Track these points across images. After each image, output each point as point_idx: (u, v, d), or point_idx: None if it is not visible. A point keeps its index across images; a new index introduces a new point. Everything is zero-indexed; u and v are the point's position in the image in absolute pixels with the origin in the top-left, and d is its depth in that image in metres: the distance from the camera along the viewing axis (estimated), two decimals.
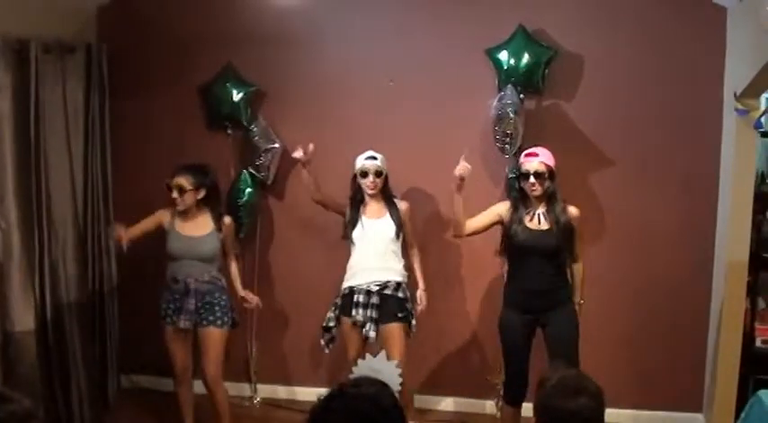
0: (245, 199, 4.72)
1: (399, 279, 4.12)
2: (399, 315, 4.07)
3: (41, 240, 4.19)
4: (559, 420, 2.14)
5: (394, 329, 4.06)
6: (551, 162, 3.78)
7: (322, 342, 4.21)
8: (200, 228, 4.09)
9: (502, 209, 3.94)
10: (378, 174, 4.12)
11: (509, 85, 4.35)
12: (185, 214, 4.08)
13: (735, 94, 3.97)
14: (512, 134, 4.32)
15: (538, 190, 3.75)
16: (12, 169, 4.04)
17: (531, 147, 3.91)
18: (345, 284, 4.16)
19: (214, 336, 4.07)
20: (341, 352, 4.22)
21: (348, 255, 4.22)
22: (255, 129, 4.72)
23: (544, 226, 3.78)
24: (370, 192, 4.13)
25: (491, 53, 4.46)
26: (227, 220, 4.21)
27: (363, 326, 4.05)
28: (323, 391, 1.93)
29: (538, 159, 3.75)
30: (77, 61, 4.55)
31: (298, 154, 4.16)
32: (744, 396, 4.03)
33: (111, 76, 4.77)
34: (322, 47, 4.78)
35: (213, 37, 4.82)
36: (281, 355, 5.04)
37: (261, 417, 4.87)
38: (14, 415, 1.86)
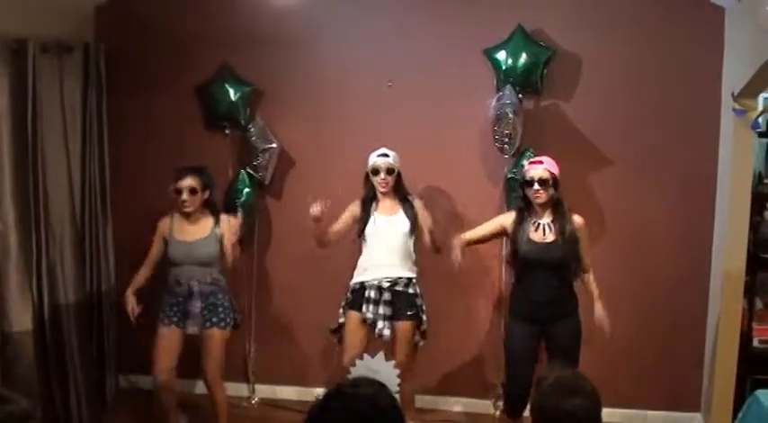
0: (243, 199, 4.71)
1: (410, 275, 4.12)
2: (409, 313, 4.07)
3: (39, 240, 4.18)
4: (555, 420, 2.14)
5: (403, 327, 4.06)
6: (555, 170, 3.77)
7: (335, 340, 4.22)
8: (199, 231, 4.07)
9: (506, 220, 3.93)
10: (389, 171, 4.10)
11: (508, 85, 4.35)
12: (188, 217, 4.06)
13: (732, 95, 3.97)
14: (510, 134, 4.32)
15: (542, 197, 3.74)
16: (9, 169, 4.03)
17: (534, 153, 3.92)
18: (355, 280, 4.16)
19: (216, 337, 4.07)
20: (340, 353, 4.21)
21: (349, 253, 4.24)
22: (253, 129, 4.72)
23: (549, 238, 3.75)
24: (381, 189, 4.12)
25: (489, 53, 4.46)
26: (228, 217, 4.15)
27: (374, 323, 4.05)
28: (321, 391, 1.93)
29: (542, 167, 3.75)
30: (75, 61, 4.55)
31: (315, 210, 4.03)
32: (741, 396, 4.04)
33: (109, 76, 4.77)
34: (320, 47, 4.78)
35: (211, 36, 4.82)
36: (280, 356, 5.03)
37: (259, 417, 4.86)
38: (12, 415, 1.86)
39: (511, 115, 4.27)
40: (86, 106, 4.64)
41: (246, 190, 4.72)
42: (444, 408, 4.87)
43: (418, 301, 4.13)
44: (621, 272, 4.58)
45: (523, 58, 4.38)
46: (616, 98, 4.52)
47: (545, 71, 4.43)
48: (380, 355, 2.40)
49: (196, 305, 4.01)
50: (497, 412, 4.64)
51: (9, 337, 4.02)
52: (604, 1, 4.51)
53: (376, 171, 4.10)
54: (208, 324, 4.05)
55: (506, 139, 4.33)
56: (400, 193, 4.17)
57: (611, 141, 4.54)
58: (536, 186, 3.73)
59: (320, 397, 1.87)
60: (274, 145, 4.71)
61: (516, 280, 3.96)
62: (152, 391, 4.13)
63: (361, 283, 4.12)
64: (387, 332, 4.03)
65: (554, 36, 4.50)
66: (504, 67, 4.41)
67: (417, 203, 4.18)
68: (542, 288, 3.78)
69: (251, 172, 4.73)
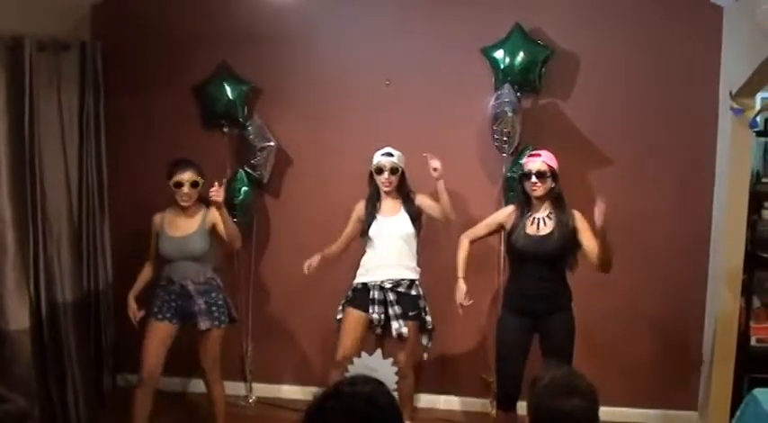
0: (241, 198, 4.70)
1: (413, 276, 4.12)
2: (411, 314, 4.07)
3: (36, 238, 4.17)
4: (553, 420, 2.14)
5: (407, 328, 4.06)
6: (554, 163, 3.76)
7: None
8: (190, 226, 4.05)
9: (503, 216, 3.94)
10: (393, 171, 4.09)
11: (506, 84, 4.35)
12: (183, 212, 4.04)
13: (730, 93, 3.97)
14: (509, 133, 4.32)
15: (539, 190, 3.73)
16: (6, 167, 4.01)
17: (531, 147, 3.92)
18: (358, 280, 4.16)
19: (213, 335, 4.06)
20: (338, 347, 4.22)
21: (348, 252, 4.26)
22: (251, 127, 4.71)
23: (543, 231, 3.74)
24: (385, 189, 4.11)
25: (487, 52, 4.46)
26: (214, 212, 4.05)
27: (380, 324, 4.06)
28: (318, 390, 1.92)
29: (540, 159, 3.74)
30: (72, 59, 4.53)
31: (312, 264, 4.23)
32: (739, 394, 4.05)
33: (106, 74, 4.76)
34: (318, 45, 4.78)
35: (209, 35, 4.81)
36: (277, 354, 5.03)
37: (256, 416, 4.86)
38: (10, 414, 1.86)
39: (510, 114, 4.27)
40: (83, 104, 4.63)
41: (244, 188, 4.71)
42: (442, 407, 4.87)
43: (421, 303, 4.13)
44: (619, 270, 4.53)
45: (521, 56, 4.38)
46: (614, 97, 4.53)
47: (543, 70, 4.43)
48: (378, 352, 2.40)
49: (200, 303, 4.00)
50: (494, 411, 4.64)
51: (6, 335, 4.01)
52: (602, 0, 4.50)
53: (380, 170, 4.09)
54: (204, 322, 4.03)
55: (505, 138, 4.34)
56: (403, 191, 4.16)
57: (610, 140, 4.54)
58: (533, 179, 3.72)
59: (318, 395, 1.86)
60: (272, 143, 4.70)
61: (510, 273, 3.96)
62: (135, 386, 4.08)
63: (364, 284, 4.13)
64: (404, 330, 4.03)
65: (552, 35, 4.50)
66: (502, 66, 4.41)
67: (419, 198, 4.16)
68: (535, 281, 3.77)
69: (249, 170, 4.72)
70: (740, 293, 4.21)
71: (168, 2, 4.90)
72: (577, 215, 3.77)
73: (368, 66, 4.74)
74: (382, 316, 4.07)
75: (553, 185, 3.75)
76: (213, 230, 4.07)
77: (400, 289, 4.08)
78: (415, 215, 4.13)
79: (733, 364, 4.17)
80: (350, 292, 4.18)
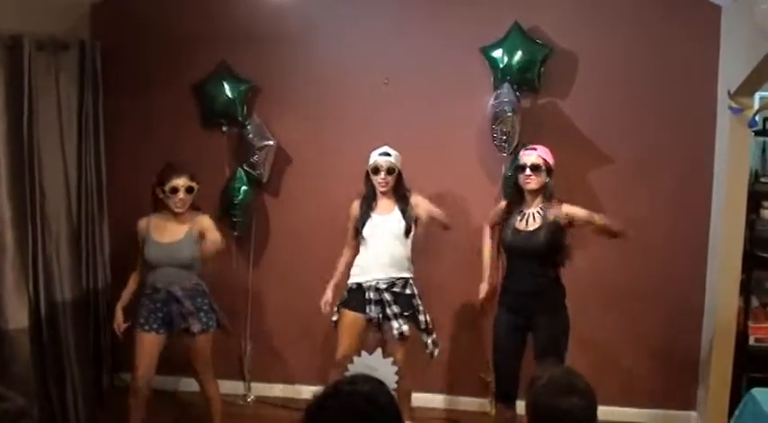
0: (240, 197, 4.70)
1: (407, 275, 4.12)
2: (406, 314, 4.06)
3: (35, 238, 4.16)
4: (551, 419, 2.14)
5: None
6: (549, 158, 3.75)
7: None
8: (178, 232, 3.97)
9: (500, 209, 3.96)
10: (390, 171, 4.07)
11: (506, 84, 4.35)
12: (175, 218, 3.97)
13: (729, 93, 3.97)
14: (508, 132, 4.32)
15: (532, 183, 3.71)
16: (5, 166, 4.01)
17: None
18: (352, 280, 4.16)
19: (201, 340, 4.00)
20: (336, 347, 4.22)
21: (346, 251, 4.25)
22: (250, 126, 4.71)
23: (532, 226, 3.73)
24: (381, 189, 4.10)
25: (486, 51, 4.46)
26: (206, 218, 4.05)
27: (378, 324, 4.06)
28: (318, 388, 1.92)
29: (535, 153, 3.74)
30: (71, 58, 4.53)
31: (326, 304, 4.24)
32: (737, 394, 4.05)
33: (105, 74, 4.76)
34: (317, 45, 4.78)
35: (208, 34, 4.81)
36: (276, 353, 5.03)
37: (254, 415, 4.86)
38: (7, 413, 1.86)
39: (509, 113, 4.27)
40: (82, 104, 4.63)
41: (244, 188, 4.71)
42: (441, 406, 4.88)
43: (415, 302, 4.12)
44: (617, 269, 4.59)
45: (520, 55, 4.38)
46: (613, 96, 4.53)
47: (542, 69, 4.43)
48: (378, 352, 2.40)
49: (188, 305, 3.92)
50: (493, 410, 4.64)
51: (5, 334, 4.01)
52: None
53: (376, 170, 4.08)
54: (192, 329, 3.95)
55: (504, 138, 4.34)
56: (399, 192, 4.15)
57: (609, 139, 4.55)
58: (527, 171, 3.71)
59: (318, 394, 1.86)
60: (272, 142, 4.70)
61: (505, 270, 3.97)
62: (129, 398, 4.04)
63: (359, 284, 4.12)
64: (405, 328, 4.03)
65: (551, 34, 4.50)
66: (501, 66, 4.41)
67: (415, 199, 4.15)
68: (525, 277, 3.76)
69: (248, 170, 4.72)
70: (739, 293, 4.21)
71: (167, 1, 4.90)
72: (571, 209, 3.74)
73: (367, 65, 4.73)
74: (380, 315, 4.07)
75: (547, 180, 3.74)
76: (200, 238, 4.00)
77: (395, 289, 4.07)
78: (410, 214, 4.11)
79: (731, 364, 4.17)
80: (345, 293, 4.18)
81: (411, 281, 4.14)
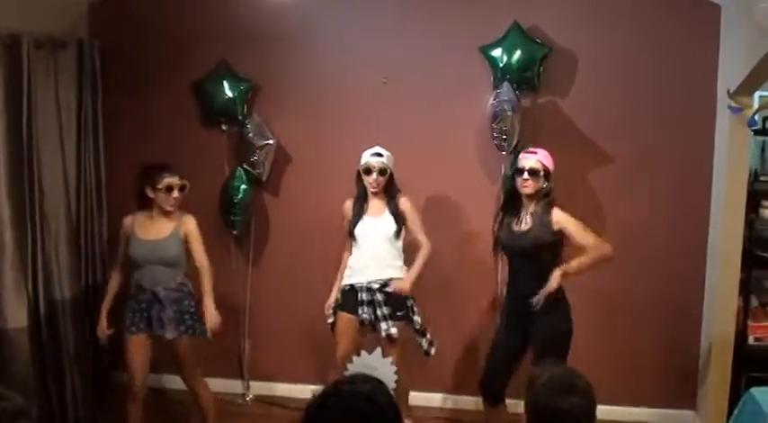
0: (239, 196, 4.70)
1: (400, 275, 4.10)
2: (399, 314, 4.06)
3: (34, 237, 4.17)
4: (550, 418, 2.13)
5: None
6: (549, 163, 3.72)
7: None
8: (163, 230, 3.92)
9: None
10: (382, 172, 4.04)
11: (505, 82, 4.35)
12: (161, 215, 3.92)
13: (728, 92, 3.97)
14: (508, 131, 4.31)
15: (529, 187, 3.68)
16: (4, 165, 4.01)
17: (530, 146, 3.90)
18: (346, 282, 4.15)
19: (187, 345, 3.95)
20: (335, 349, 4.22)
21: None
22: (250, 125, 4.71)
23: (523, 228, 3.72)
24: (372, 190, 4.08)
25: (485, 50, 4.46)
26: (190, 218, 4.00)
27: (372, 325, 4.06)
28: (317, 388, 1.92)
29: (535, 157, 3.71)
30: (69, 57, 4.53)
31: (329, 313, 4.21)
32: (737, 393, 4.05)
33: (104, 72, 4.75)
34: (318, 44, 4.77)
35: (207, 33, 4.80)
36: (275, 352, 5.03)
37: (253, 414, 4.86)
38: (6, 412, 1.86)
39: (509, 112, 4.26)
40: (81, 102, 4.62)
41: (243, 187, 4.70)
42: (439, 405, 4.88)
43: (409, 302, 4.11)
44: (616, 268, 4.56)
45: (519, 54, 4.38)
46: (613, 95, 4.53)
47: (542, 68, 4.43)
48: (378, 351, 2.39)
49: (168, 311, 3.87)
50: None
51: (4, 333, 4.01)
52: None
53: (368, 170, 4.06)
54: (176, 332, 3.91)
55: (504, 137, 4.33)
56: (390, 192, 4.12)
57: (608, 138, 4.54)
58: (525, 176, 3.68)
59: (317, 394, 1.86)
60: (272, 141, 4.69)
61: (507, 274, 3.97)
62: (126, 399, 4.01)
63: (351, 286, 4.12)
64: (393, 331, 4.02)
65: (550, 33, 4.49)
66: (500, 65, 4.40)
67: (404, 203, 4.11)
68: (519, 279, 3.77)
69: (248, 168, 4.71)
70: (738, 292, 4.21)
71: (166, 0, 4.90)
72: (562, 218, 3.66)
73: (367, 64, 4.73)
74: (372, 317, 4.06)
75: (544, 185, 3.71)
76: (185, 240, 3.96)
77: (388, 289, 4.06)
78: (399, 216, 4.08)
79: (731, 363, 4.17)
80: (338, 295, 4.18)
81: None
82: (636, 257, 4.55)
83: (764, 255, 4.30)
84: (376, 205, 4.13)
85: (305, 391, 4.74)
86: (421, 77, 4.67)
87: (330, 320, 4.19)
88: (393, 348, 3.96)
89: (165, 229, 3.93)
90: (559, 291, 3.72)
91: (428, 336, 4.16)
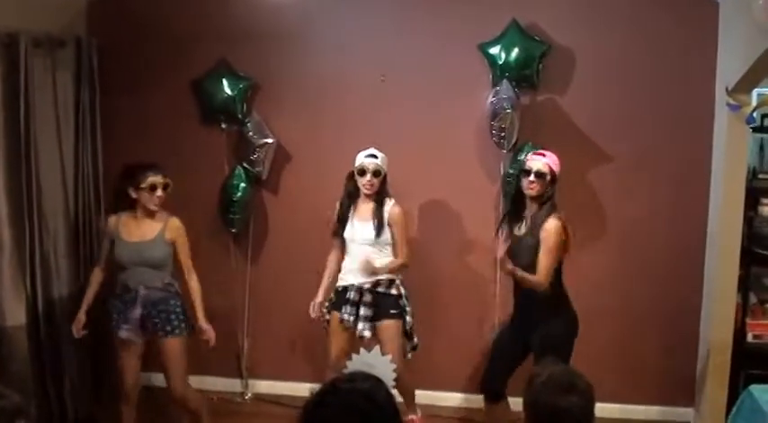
0: (239, 194, 4.69)
1: (392, 276, 4.07)
2: (393, 312, 4.04)
3: (32, 235, 4.17)
4: (550, 417, 2.13)
5: (388, 327, 4.04)
6: (556, 167, 3.68)
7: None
8: (148, 232, 3.83)
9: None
10: (376, 173, 4.01)
11: (505, 80, 4.34)
12: (145, 215, 3.84)
13: (727, 90, 3.97)
14: (508, 129, 4.30)
15: (535, 190, 3.64)
16: (2, 164, 4.02)
17: (534, 148, 3.90)
18: (339, 283, 4.15)
19: (173, 346, 3.83)
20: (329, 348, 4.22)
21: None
22: (250, 124, 4.70)
23: (522, 231, 3.70)
24: (366, 191, 4.04)
25: (484, 48, 4.46)
26: (176, 222, 3.91)
27: (354, 325, 4.04)
28: (315, 386, 1.92)
29: (543, 160, 3.66)
30: (67, 55, 4.52)
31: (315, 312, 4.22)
32: (735, 390, 4.05)
33: (102, 70, 4.74)
34: (317, 42, 4.77)
35: (206, 31, 4.79)
36: (273, 351, 5.03)
37: (252, 412, 4.86)
38: (4, 411, 1.86)
39: (508, 110, 4.26)
40: (79, 101, 4.61)
41: (242, 185, 4.70)
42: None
43: (401, 302, 4.08)
44: (615, 267, 4.59)
45: (518, 52, 4.37)
46: (611, 92, 4.53)
47: (540, 66, 4.43)
48: (376, 349, 2.40)
49: (135, 312, 3.75)
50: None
51: (3, 332, 4.02)
52: None
53: (362, 172, 4.02)
54: (161, 333, 3.82)
55: (503, 134, 4.33)
56: (381, 195, 4.07)
57: (607, 136, 4.54)
58: (531, 178, 3.64)
59: (315, 392, 1.86)
60: (272, 140, 4.68)
61: None
62: (120, 401, 3.97)
63: (344, 287, 4.12)
64: (367, 333, 4.02)
65: (549, 31, 4.49)
66: (499, 62, 4.40)
67: (392, 210, 4.03)
68: (517, 284, 3.75)
69: (247, 167, 4.71)
70: (737, 290, 4.21)
71: None
72: (546, 232, 3.57)
73: (366, 63, 4.73)
74: (352, 317, 4.05)
75: (548, 189, 3.66)
76: (172, 244, 3.88)
77: (380, 289, 4.04)
78: (381, 222, 4.01)
79: (729, 361, 4.17)
80: (332, 295, 4.18)
81: (398, 281, 4.08)
82: (634, 255, 4.56)
83: (763, 252, 4.31)
84: (364, 208, 4.08)
85: (303, 389, 4.74)
86: (420, 76, 4.67)
87: (326, 318, 4.19)
88: (391, 347, 3.96)
89: (151, 231, 3.84)
90: (561, 298, 3.70)
91: (414, 340, 4.15)
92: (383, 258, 4.05)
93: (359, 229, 4.06)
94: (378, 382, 1.92)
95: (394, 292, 4.06)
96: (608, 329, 4.62)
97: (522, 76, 4.41)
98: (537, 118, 4.49)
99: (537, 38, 4.44)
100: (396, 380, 2.24)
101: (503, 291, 4.43)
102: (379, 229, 4.00)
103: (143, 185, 3.78)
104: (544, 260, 3.56)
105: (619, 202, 4.57)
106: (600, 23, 4.50)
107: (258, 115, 4.75)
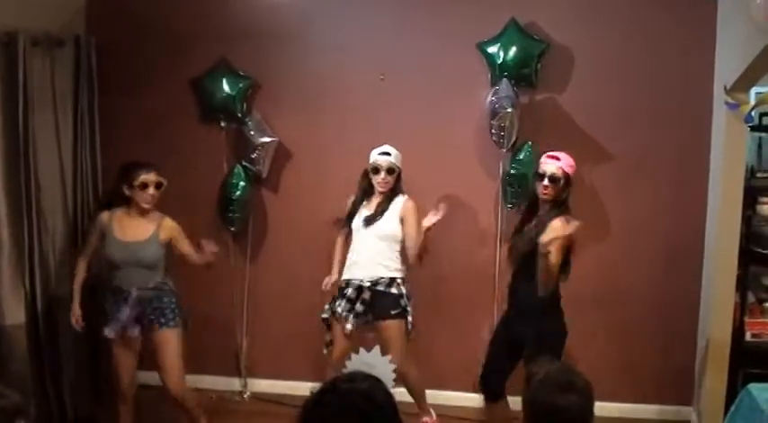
0: (238, 193, 4.69)
1: (392, 275, 4.06)
2: (393, 312, 4.03)
3: (31, 233, 4.17)
4: (548, 415, 2.13)
5: (389, 327, 4.03)
6: (570, 170, 3.61)
7: (326, 334, 4.22)
8: (141, 232, 3.83)
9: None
10: (390, 171, 4.01)
11: (504, 79, 4.34)
12: (138, 214, 3.85)
13: (725, 88, 3.97)
14: (507, 128, 4.30)
15: (549, 194, 3.58)
16: (0, 162, 4.01)
17: (534, 147, 3.88)
18: (343, 277, 4.16)
19: (169, 338, 3.85)
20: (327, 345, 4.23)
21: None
22: (250, 123, 4.70)
23: (529, 228, 3.66)
24: (380, 189, 4.04)
25: (482, 47, 4.46)
26: (169, 221, 3.93)
27: (345, 320, 4.06)
28: (315, 385, 1.92)
29: (557, 164, 3.59)
30: (66, 54, 4.51)
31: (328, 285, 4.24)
32: (734, 389, 4.05)
33: (101, 69, 4.73)
34: (317, 41, 4.77)
35: (206, 30, 4.80)
36: (272, 350, 5.03)
37: (251, 411, 4.86)
38: (3, 410, 1.86)
39: (508, 109, 4.26)
40: (78, 99, 4.61)
41: (242, 184, 4.70)
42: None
43: (403, 302, 4.05)
44: (613, 265, 4.60)
45: (516, 51, 4.38)
46: (610, 91, 4.53)
47: (539, 65, 4.43)
48: (376, 349, 2.39)
49: (124, 313, 3.77)
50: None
51: (2, 330, 4.01)
52: None
53: (376, 170, 4.03)
54: (156, 325, 3.83)
55: (503, 133, 4.33)
56: (394, 193, 4.09)
57: (606, 134, 4.55)
58: (545, 182, 3.57)
59: (315, 391, 1.86)
60: (271, 139, 4.68)
61: None
62: (116, 400, 3.99)
63: (347, 281, 4.12)
64: (348, 327, 4.02)
65: (548, 30, 4.50)
66: (498, 61, 4.40)
67: (405, 204, 4.07)
68: (513, 280, 3.75)
69: (247, 165, 4.70)
70: (735, 289, 4.21)
71: None
72: (551, 232, 3.44)
73: (366, 62, 4.73)
74: (345, 313, 4.05)
75: (563, 193, 3.60)
76: (169, 242, 3.90)
77: (379, 287, 4.03)
78: (394, 218, 4.04)
79: (728, 360, 4.17)
80: (337, 290, 4.18)
81: (399, 281, 4.08)
82: (632, 253, 4.56)
83: (761, 251, 4.30)
84: (375, 204, 4.11)
85: (302, 388, 4.74)
86: (420, 75, 4.67)
87: (324, 315, 4.19)
88: (394, 347, 3.94)
89: (144, 231, 3.85)
90: (553, 296, 3.65)
91: (408, 340, 4.14)
92: (391, 263, 4.07)
93: (366, 222, 4.07)
94: (377, 381, 1.91)
95: (394, 291, 4.05)
96: (607, 328, 4.63)
97: (521, 75, 4.41)
98: (536, 117, 4.49)
99: (536, 37, 4.44)
100: (401, 380, 2.24)
101: (502, 289, 4.42)
102: (371, 220, 4.01)
103: (135, 183, 3.81)
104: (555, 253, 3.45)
105: (617, 200, 4.57)
106: (598, 22, 4.51)
107: (258, 114, 4.74)
